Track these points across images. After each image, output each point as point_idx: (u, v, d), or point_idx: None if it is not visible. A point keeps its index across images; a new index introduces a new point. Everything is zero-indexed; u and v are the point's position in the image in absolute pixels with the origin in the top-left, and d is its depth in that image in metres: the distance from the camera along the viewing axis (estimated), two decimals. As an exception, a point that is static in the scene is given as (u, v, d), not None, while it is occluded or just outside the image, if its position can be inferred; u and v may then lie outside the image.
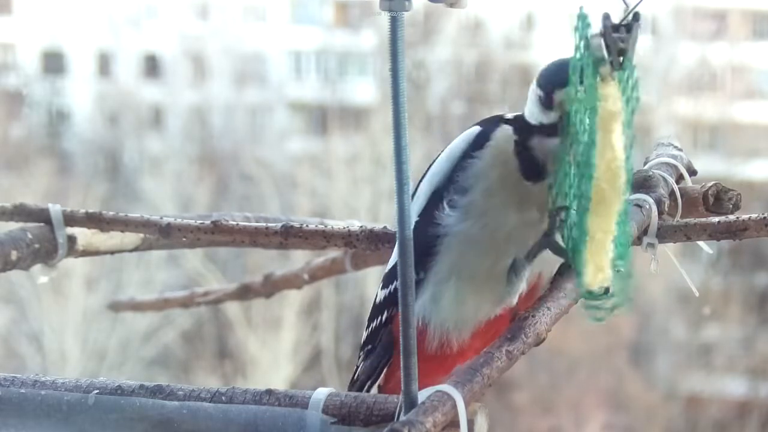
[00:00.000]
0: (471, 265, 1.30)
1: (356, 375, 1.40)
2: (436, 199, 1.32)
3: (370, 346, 1.39)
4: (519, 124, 1.33)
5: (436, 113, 12.30)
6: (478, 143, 1.33)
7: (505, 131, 1.33)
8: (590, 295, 1.19)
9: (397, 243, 1.34)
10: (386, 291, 1.38)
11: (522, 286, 1.30)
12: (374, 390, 1.39)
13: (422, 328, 1.31)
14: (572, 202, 1.20)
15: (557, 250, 1.27)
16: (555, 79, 1.28)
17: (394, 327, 1.36)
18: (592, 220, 1.16)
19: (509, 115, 1.37)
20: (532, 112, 1.31)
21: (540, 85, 1.29)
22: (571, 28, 1.15)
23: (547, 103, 1.28)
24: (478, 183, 1.30)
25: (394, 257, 1.39)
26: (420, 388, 1.10)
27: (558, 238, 1.28)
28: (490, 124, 1.35)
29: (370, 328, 1.40)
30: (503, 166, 1.30)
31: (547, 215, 1.28)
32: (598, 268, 1.17)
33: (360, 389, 1.38)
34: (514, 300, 1.31)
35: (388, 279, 1.39)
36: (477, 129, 1.35)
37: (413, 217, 1.31)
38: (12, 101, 12.66)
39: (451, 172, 1.32)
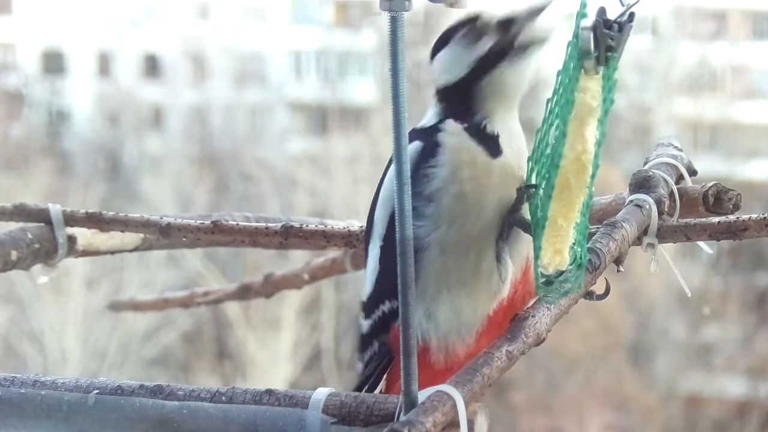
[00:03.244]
0: (457, 272, 1.27)
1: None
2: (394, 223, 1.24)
3: (371, 379, 1.35)
4: (451, 112, 1.30)
5: (435, 113, 12.29)
6: (427, 153, 1.28)
7: (448, 127, 1.30)
8: (545, 275, 1.20)
9: (377, 271, 1.34)
10: (371, 320, 1.34)
11: (510, 271, 1.29)
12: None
13: (424, 347, 1.28)
14: (540, 183, 1.21)
15: (526, 228, 1.26)
16: (472, 15, 1.28)
17: (391, 342, 1.34)
18: (555, 206, 1.18)
19: (428, 121, 1.33)
20: (456, 66, 1.29)
21: (457, 30, 1.29)
22: (571, 28, 1.15)
23: (476, 34, 1.27)
24: (447, 189, 1.26)
25: (368, 285, 1.35)
26: (425, 386, 1.09)
27: (526, 214, 1.26)
28: (424, 134, 1.30)
29: (365, 360, 1.36)
30: (471, 165, 1.27)
31: (516, 192, 1.26)
32: (556, 252, 1.20)
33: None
34: (507, 288, 1.29)
35: (371, 307, 1.34)
36: (417, 143, 1.28)
37: (377, 244, 1.31)
38: (12, 101, 12.67)
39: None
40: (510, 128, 1.30)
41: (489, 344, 1.29)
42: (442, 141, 1.28)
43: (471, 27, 1.29)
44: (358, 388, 1.34)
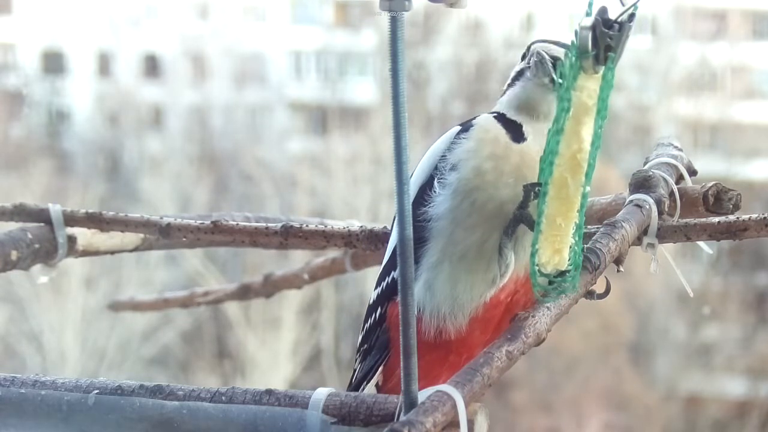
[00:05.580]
0: (461, 244, 1.30)
1: (354, 378, 1.40)
2: (422, 192, 1.34)
3: (366, 346, 1.40)
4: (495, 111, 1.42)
5: (436, 113, 12.31)
6: (462, 130, 1.37)
7: (485, 116, 1.40)
8: (542, 274, 1.20)
9: (396, 243, 1.35)
10: (378, 289, 1.39)
11: (511, 264, 1.30)
12: (371, 389, 1.38)
13: (418, 317, 1.30)
14: (545, 182, 1.21)
15: (530, 225, 1.27)
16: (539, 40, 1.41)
17: (389, 323, 1.36)
18: (553, 204, 1.18)
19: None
20: (511, 74, 1.44)
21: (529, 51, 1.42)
22: (571, 28, 1.15)
23: (524, 55, 1.42)
24: (468, 161, 1.33)
25: (385, 258, 1.40)
26: (421, 382, 1.10)
27: (533, 212, 1.27)
28: (466, 121, 1.42)
29: (364, 329, 1.41)
30: (494, 143, 1.34)
31: (522, 189, 1.29)
32: (555, 251, 1.20)
33: (356, 390, 1.38)
34: (506, 279, 1.31)
35: (380, 278, 1.39)
36: (456, 127, 1.40)
37: None
38: (12, 101, 12.65)
39: (437, 162, 1.35)
40: (540, 130, 1.35)
41: (484, 341, 1.30)
42: (476, 122, 1.38)
43: (528, 48, 1.42)
44: (356, 385, 1.36)
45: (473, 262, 1.30)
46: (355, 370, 1.41)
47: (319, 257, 2.25)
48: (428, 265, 1.32)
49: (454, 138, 1.36)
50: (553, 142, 1.16)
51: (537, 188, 1.24)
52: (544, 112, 1.37)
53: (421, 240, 1.31)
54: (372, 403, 1.15)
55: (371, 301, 1.40)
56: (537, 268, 1.20)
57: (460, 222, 1.31)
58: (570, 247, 1.21)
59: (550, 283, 1.21)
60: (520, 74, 1.41)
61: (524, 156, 1.33)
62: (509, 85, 1.42)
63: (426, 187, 1.34)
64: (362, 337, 1.41)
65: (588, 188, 1.19)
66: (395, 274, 1.35)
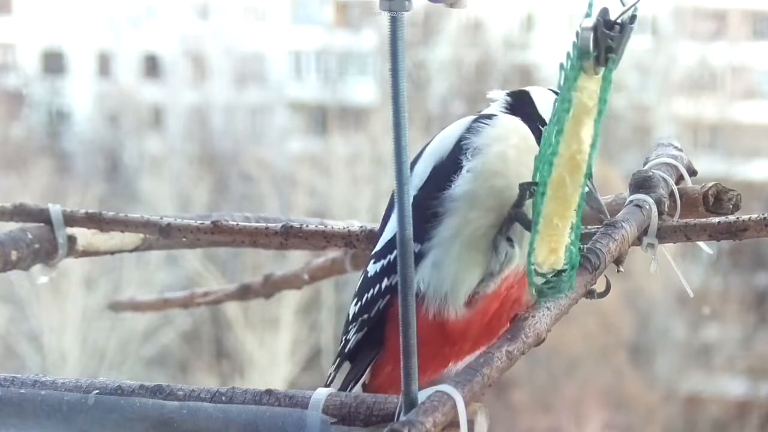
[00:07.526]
0: (474, 224, 1.30)
1: (347, 348, 1.38)
2: (438, 171, 1.33)
3: (366, 316, 1.36)
4: (513, 109, 1.39)
5: (436, 113, 12.31)
6: (481, 118, 1.35)
7: (509, 116, 1.37)
8: (538, 273, 1.21)
9: (397, 244, 1.34)
10: (381, 263, 1.36)
11: (506, 265, 1.29)
12: (359, 388, 1.38)
13: (419, 296, 1.30)
14: (542, 181, 1.21)
15: (526, 224, 1.27)
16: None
17: (388, 318, 1.35)
18: (551, 204, 1.19)
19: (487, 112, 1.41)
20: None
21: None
22: (571, 28, 1.16)
23: None
24: (492, 146, 1.32)
25: (388, 233, 1.37)
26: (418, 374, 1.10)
27: (528, 212, 1.27)
28: (478, 112, 1.39)
29: (365, 299, 1.37)
30: (521, 137, 1.34)
31: (518, 188, 1.28)
32: (551, 251, 1.20)
33: (345, 387, 1.37)
34: (504, 274, 1.30)
35: (383, 253, 1.36)
36: (469, 116, 1.38)
37: (411, 192, 1.32)
38: (12, 101, 12.67)
39: (457, 143, 1.33)
40: None
41: (478, 334, 1.31)
42: (499, 115, 1.37)
43: None
44: (345, 384, 1.35)
45: (477, 245, 1.30)
46: (348, 341, 1.38)
47: (319, 257, 2.25)
48: (439, 242, 1.31)
49: (474, 123, 1.35)
50: (554, 142, 1.16)
51: (533, 187, 1.23)
52: None
53: (433, 219, 1.30)
54: (372, 403, 1.15)
55: (371, 274, 1.36)
56: (533, 267, 1.20)
57: (477, 204, 1.30)
58: (566, 246, 1.21)
59: (547, 282, 1.21)
60: None
61: None
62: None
63: (440, 171, 1.32)
64: (361, 306, 1.37)
65: (586, 188, 1.20)
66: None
